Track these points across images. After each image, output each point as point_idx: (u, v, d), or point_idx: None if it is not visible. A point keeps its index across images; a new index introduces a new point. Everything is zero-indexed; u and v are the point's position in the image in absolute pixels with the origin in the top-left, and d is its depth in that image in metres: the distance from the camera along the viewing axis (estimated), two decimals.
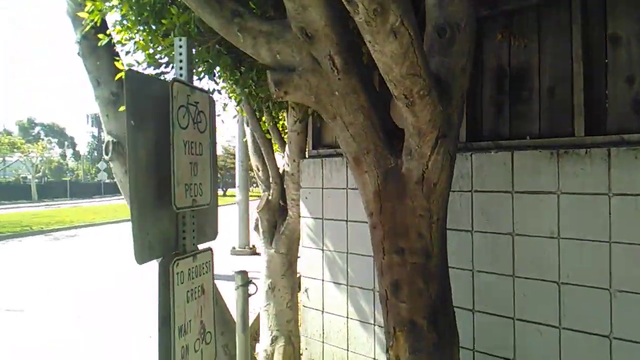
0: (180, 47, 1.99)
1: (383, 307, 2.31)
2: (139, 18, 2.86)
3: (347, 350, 3.40)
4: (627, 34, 2.46)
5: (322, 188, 3.63)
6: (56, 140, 37.19)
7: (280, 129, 4.55)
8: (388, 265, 2.25)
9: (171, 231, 1.94)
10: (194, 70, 2.84)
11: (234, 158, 47.97)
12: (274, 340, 4.50)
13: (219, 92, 3.79)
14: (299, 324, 4.48)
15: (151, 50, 2.86)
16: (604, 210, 2.26)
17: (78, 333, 5.76)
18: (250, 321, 3.96)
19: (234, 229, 10.99)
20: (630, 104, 2.45)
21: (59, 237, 16.16)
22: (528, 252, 2.50)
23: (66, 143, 43.39)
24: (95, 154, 67.29)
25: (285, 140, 4.33)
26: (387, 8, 1.44)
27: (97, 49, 3.45)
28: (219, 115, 3.98)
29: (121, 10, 2.82)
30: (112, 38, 3.33)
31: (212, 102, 2.17)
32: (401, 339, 2.24)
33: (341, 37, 2.04)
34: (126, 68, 2.96)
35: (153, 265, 1.86)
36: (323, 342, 3.60)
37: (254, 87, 3.33)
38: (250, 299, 3.04)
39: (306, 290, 3.80)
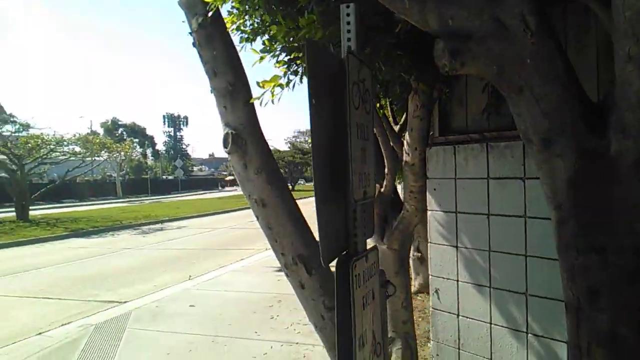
0: (348, 14, 1.72)
1: (571, 318, 1.92)
2: None
3: (490, 359, 3.04)
4: None
5: (455, 178, 3.27)
6: (137, 140, 39.52)
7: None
8: (583, 267, 1.87)
9: (344, 228, 1.70)
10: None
11: (301, 153, 48.04)
12: (390, 343, 4.22)
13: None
14: (416, 325, 4.16)
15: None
16: None
17: None
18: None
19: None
20: None
21: (146, 231, 16.96)
22: None
23: (146, 142, 46.07)
24: (172, 152, 70.97)
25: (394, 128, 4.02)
26: None
27: (214, 38, 3.31)
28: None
29: None
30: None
31: (374, 80, 1.89)
32: (599, 355, 1.86)
33: None
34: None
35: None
36: (459, 349, 3.26)
37: (382, 68, 3.03)
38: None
39: (436, 292, 3.47)
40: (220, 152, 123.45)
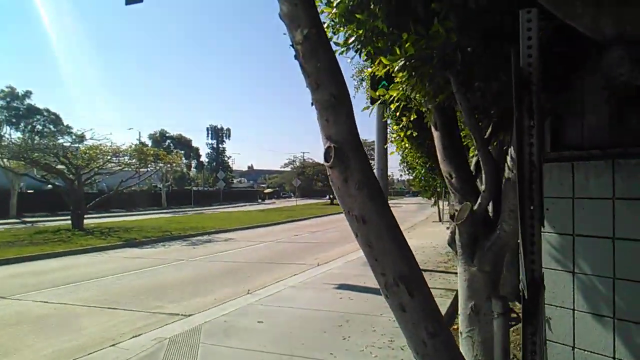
0: (529, 20, 1.56)
1: None
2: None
3: None
4: None
5: (573, 198, 3.03)
6: (183, 151, 40.70)
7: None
8: None
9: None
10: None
11: None
12: None
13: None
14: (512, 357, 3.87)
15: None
16: None
17: None
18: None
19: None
20: None
21: (195, 242, 17.19)
22: None
23: (191, 154, 47.39)
24: (214, 164, 72.53)
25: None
26: None
27: (318, 50, 3.22)
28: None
29: None
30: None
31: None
32: None
33: None
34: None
35: None
36: None
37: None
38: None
39: (547, 321, 3.20)
40: (259, 165, 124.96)
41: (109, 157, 20.27)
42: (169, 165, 27.59)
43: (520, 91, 1.63)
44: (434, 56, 2.67)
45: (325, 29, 3.40)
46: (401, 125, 4.77)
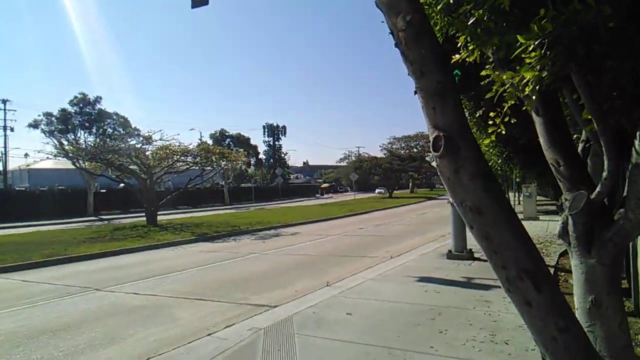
0: None
1: None
2: None
3: None
4: None
5: None
6: (242, 149, 41.72)
7: None
8: None
9: None
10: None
11: (398, 160, 47.25)
12: None
13: None
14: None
15: None
16: None
17: None
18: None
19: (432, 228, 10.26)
20: None
21: (263, 237, 17.54)
22: None
23: (250, 152, 48.63)
24: (271, 161, 73.89)
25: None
26: None
27: (422, 36, 3.12)
28: None
29: None
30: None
31: None
32: None
33: None
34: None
35: None
36: None
37: None
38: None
39: None
40: (314, 160, 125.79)
41: (178, 157, 21.13)
42: (232, 163, 28.35)
43: None
44: (571, 33, 2.49)
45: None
46: (498, 112, 4.53)
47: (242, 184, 62.09)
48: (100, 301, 7.78)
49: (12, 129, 50.69)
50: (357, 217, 27.07)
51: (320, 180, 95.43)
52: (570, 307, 3.14)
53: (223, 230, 18.97)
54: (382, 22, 3.59)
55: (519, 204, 28.04)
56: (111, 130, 35.34)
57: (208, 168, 23.92)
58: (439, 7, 3.21)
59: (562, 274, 8.23)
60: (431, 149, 3.26)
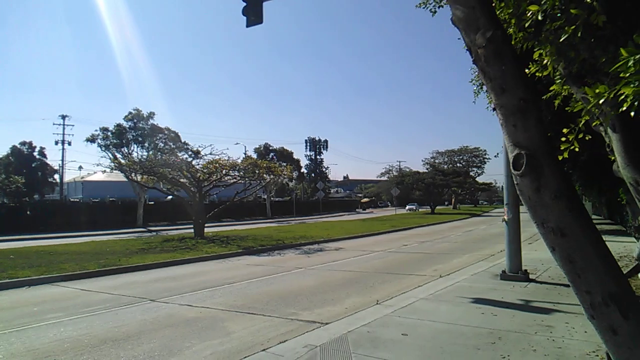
0: None
1: None
2: None
3: None
4: None
5: None
6: (285, 164, 42.24)
7: None
8: None
9: None
10: None
11: (442, 174, 46.49)
12: None
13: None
14: None
15: None
16: None
17: None
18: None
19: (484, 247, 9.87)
20: None
21: (307, 251, 17.56)
22: None
23: (293, 166, 49.14)
24: (312, 175, 74.33)
25: None
26: None
27: (503, 52, 3.05)
28: None
29: None
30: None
31: None
32: None
33: None
34: None
35: None
36: None
37: None
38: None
39: None
40: (355, 175, 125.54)
41: (226, 171, 21.64)
42: (276, 177, 28.75)
43: None
44: None
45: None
46: (571, 129, 4.36)
47: (284, 198, 62.74)
48: (156, 312, 7.98)
49: (69, 143, 53.68)
50: (400, 233, 26.68)
51: (360, 195, 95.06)
52: None
53: (267, 244, 19.15)
54: (459, 38, 3.56)
55: None
56: (162, 145, 36.61)
57: (255, 182, 24.31)
58: (526, 24, 3.13)
59: None
60: (511, 168, 3.16)
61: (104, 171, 28.25)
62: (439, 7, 8.07)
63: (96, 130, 36.69)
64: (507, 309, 7.15)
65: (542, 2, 2.92)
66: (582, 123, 4.16)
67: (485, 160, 79.67)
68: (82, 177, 67.51)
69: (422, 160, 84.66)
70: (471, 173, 77.43)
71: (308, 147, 75.92)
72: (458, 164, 79.43)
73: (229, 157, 22.14)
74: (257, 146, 57.88)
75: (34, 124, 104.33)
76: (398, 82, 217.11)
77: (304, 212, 56.39)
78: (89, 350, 5.94)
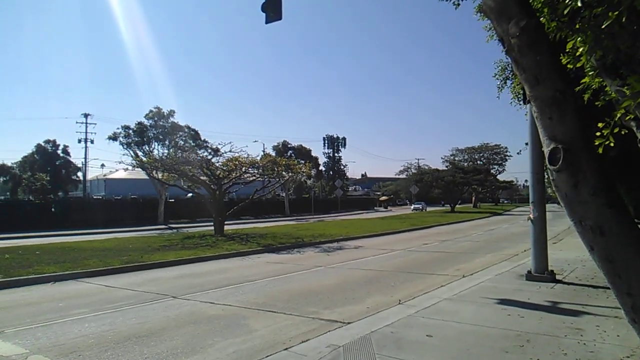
0: None
1: None
2: None
3: None
4: None
5: None
6: (303, 161, 42.23)
7: None
8: None
9: None
10: None
11: (462, 172, 45.91)
12: None
13: None
14: None
15: None
16: None
17: None
18: None
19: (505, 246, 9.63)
20: None
21: (327, 249, 17.50)
22: None
23: (311, 164, 49.12)
24: (330, 172, 74.19)
25: None
26: None
27: (538, 42, 2.92)
28: None
29: None
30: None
31: None
32: None
33: None
34: None
35: None
36: None
37: None
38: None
39: None
40: (373, 172, 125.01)
41: (246, 168, 21.72)
42: (296, 175, 28.80)
43: None
44: None
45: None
46: (607, 123, 4.18)
47: (302, 196, 62.80)
48: (178, 309, 8.01)
49: (92, 141, 54.68)
50: (420, 232, 26.41)
51: (378, 193, 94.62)
52: None
53: (287, 241, 19.15)
54: (490, 29, 3.42)
55: None
56: (182, 142, 37.02)
57: (274, 179, 24.37)
58: (566, 11, 2.99)
59: None
60: (547, 162, 3.02)
61: (126, 169, 28.79)
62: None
63: (118, 129, 37.38)
64: (534, 310, 6.96)
65: None
66: (617, 117, 3.99)
67: (507, 157, 78.40)
68: (105, 175, 68.79)
69: (442, 158, 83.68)
70: (492, 171, 76.26)
71: (326, 144, 75.75)
72: (478, 162, 78.31)
73: (248, 154, 22.27)
74: (276, 144, 58.23)
75: (57, 123, 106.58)
76: (418, 78, 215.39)
77: (322, 210, 56.33)
78: (112, 346, 5.98)
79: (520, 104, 11.00)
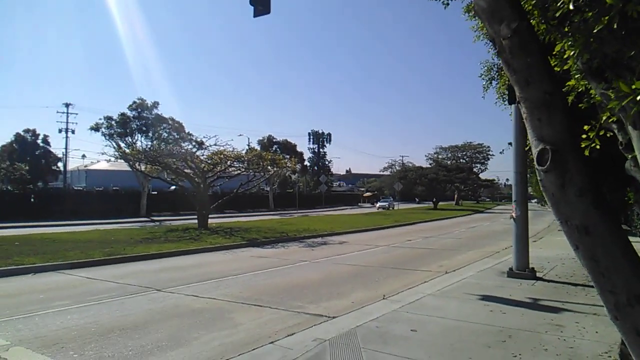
0: None
1: None
2: None
3: None
4: None
5: None
6: (288, 156, 42.18)
7: None
8: None
9: None
10: None
11: (445, 170, 46.30)
12: None
13: None
14: None
15: None
16: None
17: None
18: None
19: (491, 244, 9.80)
20: None
21: (311, 244, 17.55)
22: None
23: (296, 159, 49.17)
24: (315, 168, 74.25)
25: None
26: None
27: (529, 44, 2.97)
28: None
29: None
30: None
31: None
32: None
33: None
34: None
35: None
36: None
37: None
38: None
39: None
40: (358, 169, 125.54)
41: (231, 162, 21.59)
42: (281, 170, 28.73)
43: None
44: None
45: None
46: (592, 125, 4.28)
47: (286, 190, 62.72)
48: (162, 302, 7.96)
49: (73, 132, 53.63)
50: (404, 228, 26.66)
51: (362, 189, 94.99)
52: None
53: (271, 236, 19.14)
54: (477, 29, 3.47)
55: None
56: (166, 135, 36.59)
57: (259, 174, 24.27)
58: (557, 14, 3.05)
59: None
60: (535, 163, 3.08)
61: (108, 160, 28.31)
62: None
63: (100, 119, 36.73)
64: (515, 307, 7.11)
65: None
66: (603, 120, 4.09)
67: (489, 156, 79.50)
68: (86, 166, 67.64)
69: (425, 156, 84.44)
70: (474, 169, 77.23)
71: (311, 140, 75.84)
72: (461, 160, 79.24)
73: (233, 148, 22.13)
74: (261, 138, 58.01)
75: (37, 112, 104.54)
76: (402, 76, 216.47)
77: (307, 205, 56.38)
78: (96, 338, 5.92)
79: (505, 104, 11.16)
